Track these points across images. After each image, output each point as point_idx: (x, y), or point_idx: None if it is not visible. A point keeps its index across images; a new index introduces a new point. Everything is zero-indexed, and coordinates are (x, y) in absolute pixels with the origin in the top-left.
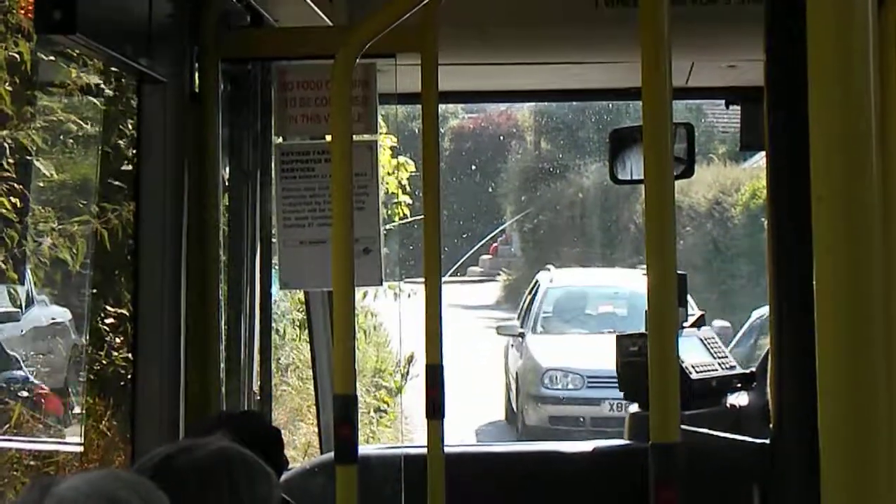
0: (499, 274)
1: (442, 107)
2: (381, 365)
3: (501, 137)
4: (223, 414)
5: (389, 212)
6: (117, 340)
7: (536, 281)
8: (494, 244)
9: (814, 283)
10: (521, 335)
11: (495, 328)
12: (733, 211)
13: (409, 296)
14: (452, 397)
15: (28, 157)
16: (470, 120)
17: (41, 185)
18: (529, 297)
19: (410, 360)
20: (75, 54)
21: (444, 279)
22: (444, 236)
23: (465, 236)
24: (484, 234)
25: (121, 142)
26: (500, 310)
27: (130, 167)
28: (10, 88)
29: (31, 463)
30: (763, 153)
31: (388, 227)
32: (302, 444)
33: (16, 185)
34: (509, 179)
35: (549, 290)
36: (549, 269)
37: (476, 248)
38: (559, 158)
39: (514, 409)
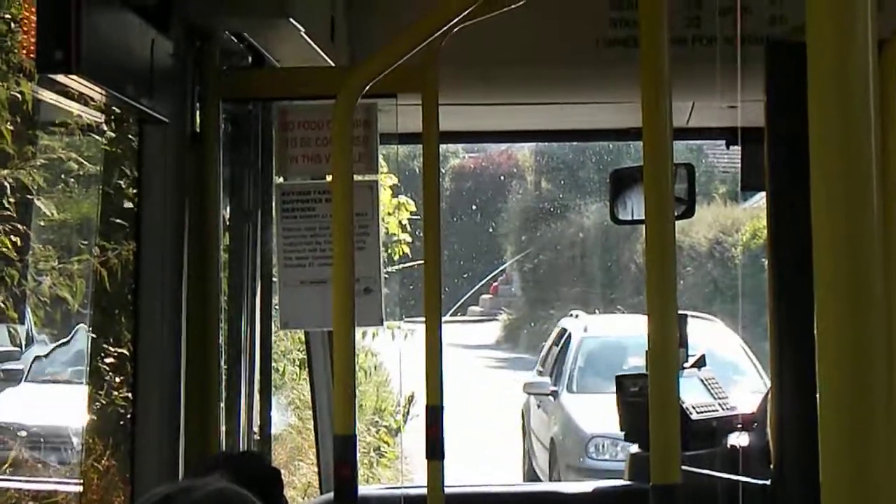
0: (499, 314)
1: (442, 146)
2: (380, 404)
3: (502, 177)
4: (222, 454)
5: (389, 251)
6: (117, 380)
7: (564, 330)
8: (495, 284)
9: (815, 323)
10: (554, 394)
11: (522, 386)
12: (734, 251)
13: (405, 336)
14: (457, 452)
15: (29, 196)
16: (470, 160)
17: (41, 224)
18: (557, 348)
19: (411, 400)
20: (76, 94)
21: (444, 319)
22: (445, 276)
23: (465, 276)
24: (484, 274)
25: (121, 181)
26: (501, 350)
27: (131, 206)
28: (11, 128)
29: (30, 503)
30: (763, 193)
31: (389, 269)
32: (302, 485)
33: (16, 224)
34: (510, 219)
35: (585, 341)
36: (575, 316)
37: (476, 287)
38: (560, 198)
39: (545, 480)
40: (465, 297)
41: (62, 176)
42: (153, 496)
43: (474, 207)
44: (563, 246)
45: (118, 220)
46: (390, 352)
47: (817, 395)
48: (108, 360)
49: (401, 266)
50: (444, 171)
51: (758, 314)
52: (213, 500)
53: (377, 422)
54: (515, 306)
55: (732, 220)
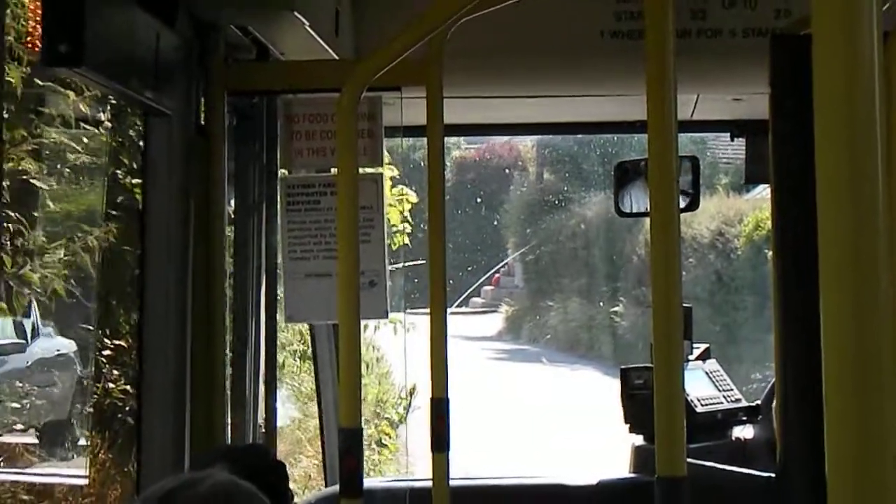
0: (501, 305)
1: (446, 138)
2: (382, 396)
3: (506, 169)
4: (227, 447)
5: (389, 241)
6: (120, 372)
7: None
8: (497, 275)
9: (820, 314)
10: None
11: None
12: (736, 242)
13: (406, 330)
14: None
15: (30, 183)
16: (473, 151)
17: (41, 215)
18: None
19: (413, 392)
20: (80, 85)
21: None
22: (449, 268)
23: (469, 269)
24: (488, 266)
25: (126, 174)
26: (503, 341)
27: (136, 199)
28: (6, 116)
29: (32, 497)
30: (766, 184)
31: (391, 268)
32: (301, 477)
33: (22, 216)
34: (512, 211)
35: None
36: None
37: (482, 280)
38: (563, 190)
39: None
40: (469, 290)
41: (66, 170)
42: (157, 490)
43: (479, 200)
44: (566, 237)
45: (123, 214)
46: (393, 344)
47: (822, 387)
48: (111, 353)
49: (404, 264)
50: (447, 163)
51: (761, 305)
52: (218, 493)
53: (379, 413)
54: (517, 298)
55: (735, 211)
